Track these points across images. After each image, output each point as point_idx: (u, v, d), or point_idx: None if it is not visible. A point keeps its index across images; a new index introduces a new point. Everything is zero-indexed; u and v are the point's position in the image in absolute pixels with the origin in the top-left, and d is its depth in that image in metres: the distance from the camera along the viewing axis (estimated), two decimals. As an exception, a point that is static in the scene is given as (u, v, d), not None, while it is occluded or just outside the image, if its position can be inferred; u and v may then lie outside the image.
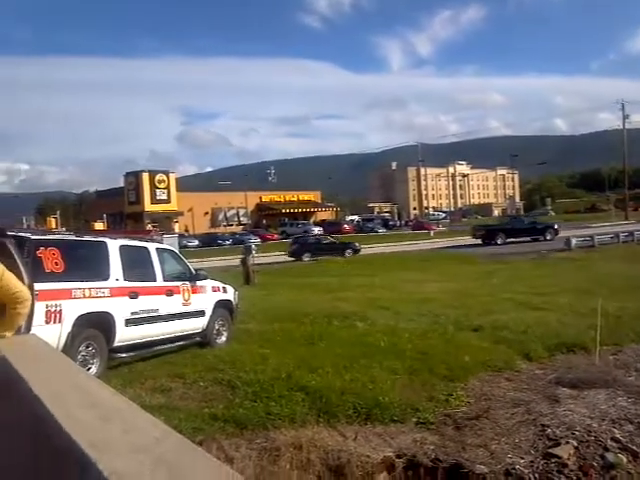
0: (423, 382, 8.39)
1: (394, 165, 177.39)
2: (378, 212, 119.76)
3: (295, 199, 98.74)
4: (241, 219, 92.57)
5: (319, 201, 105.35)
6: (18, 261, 6.89)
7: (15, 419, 2.88)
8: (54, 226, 55.51)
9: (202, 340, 10.83)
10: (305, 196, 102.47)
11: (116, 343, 8.78)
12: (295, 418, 6.93)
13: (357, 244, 44.04)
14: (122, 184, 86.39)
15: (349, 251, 42.00)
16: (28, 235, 8.06)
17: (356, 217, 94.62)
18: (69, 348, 7.56)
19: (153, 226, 68.11)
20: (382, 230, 77.06)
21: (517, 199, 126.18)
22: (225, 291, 11.78)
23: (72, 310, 7.93)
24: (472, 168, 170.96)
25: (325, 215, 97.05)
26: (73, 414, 2.03)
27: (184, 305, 10.33)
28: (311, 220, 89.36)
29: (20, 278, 4.76)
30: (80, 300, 8.15)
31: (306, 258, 39.99)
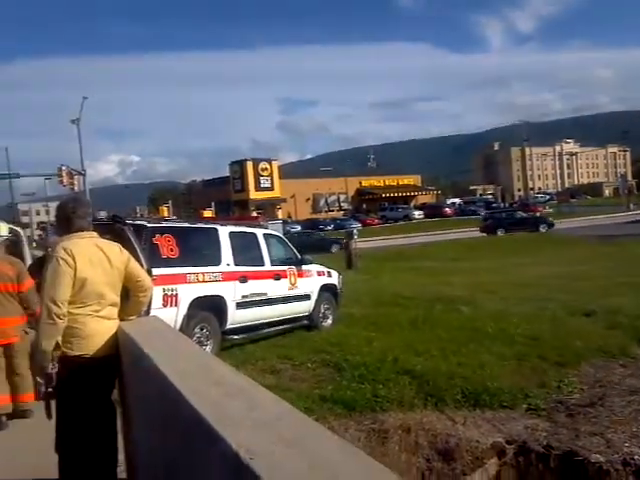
0: (533, 368, 8.16)
1: (496, 146, 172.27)
2: (481, 194, 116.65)
3: (395, 183, 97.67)
4: (342, 204, 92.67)
5: (419, 185, 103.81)
6: (137, 248, 7.28)
7: (145, 393, 3.07)
8: (166, 214, 57.84)
9: (309, 323, 11.02)
10: (405, 180, 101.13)
11: (228, 325, 9.10)
12: (402, 401, 6.95)
13: (551, 219, 42.88)
14: (227, 173, 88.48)
15: (543, 225, 41.02)
16: (145, 223, 8.49)
17: (457, 200, 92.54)
18: (185, 330, 7.89)
19: (258, 213, 69.52)
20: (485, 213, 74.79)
21: (629, 177, 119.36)
22: (330, 275, 11.92)
23: (187, 294, 8.29)
24: (580, 146, 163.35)
25: (426, 199, 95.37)
26: (199, 391, 2.15)
27: (291, 289, 10.54)
28: (411, 204, 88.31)
29: (139, 264, 5.02)
30: (194, 284, 8.51)
31: (500, 233, 39.79)
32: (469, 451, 6.04)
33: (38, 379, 6.71)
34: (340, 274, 12.55)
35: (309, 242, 35.88)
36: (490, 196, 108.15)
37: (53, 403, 3.88)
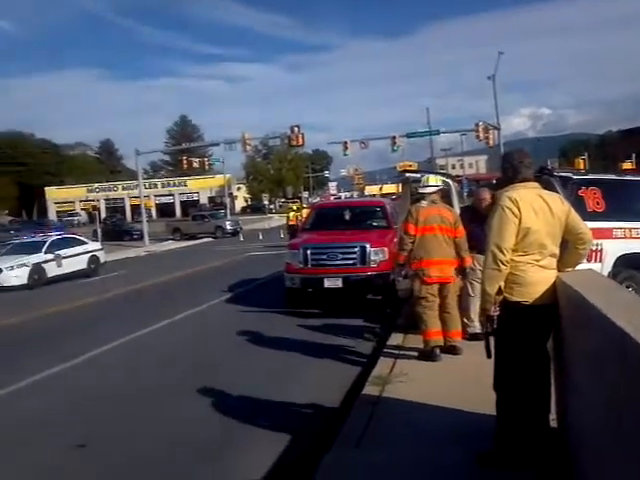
0: None
1: None
2: None
3: None
4: None
5: None
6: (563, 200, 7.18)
7: (591, 347, 3.00)
8: (582, 167, 55.46)
9: None
10: None
11: None
12: None
13: None
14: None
15: None
16: (571, 175, 8.36)
17: None
18: (609, 288, 7.56)
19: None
20: None
21: None
22: None
23: (613, 250, 7.97)
24: None
25: None
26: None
27: None
28: None
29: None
30: (620, 240, 8.12)
31: None
32: None
33: (465, 320, 7.26)
34: None
35: None
36: None
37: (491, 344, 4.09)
